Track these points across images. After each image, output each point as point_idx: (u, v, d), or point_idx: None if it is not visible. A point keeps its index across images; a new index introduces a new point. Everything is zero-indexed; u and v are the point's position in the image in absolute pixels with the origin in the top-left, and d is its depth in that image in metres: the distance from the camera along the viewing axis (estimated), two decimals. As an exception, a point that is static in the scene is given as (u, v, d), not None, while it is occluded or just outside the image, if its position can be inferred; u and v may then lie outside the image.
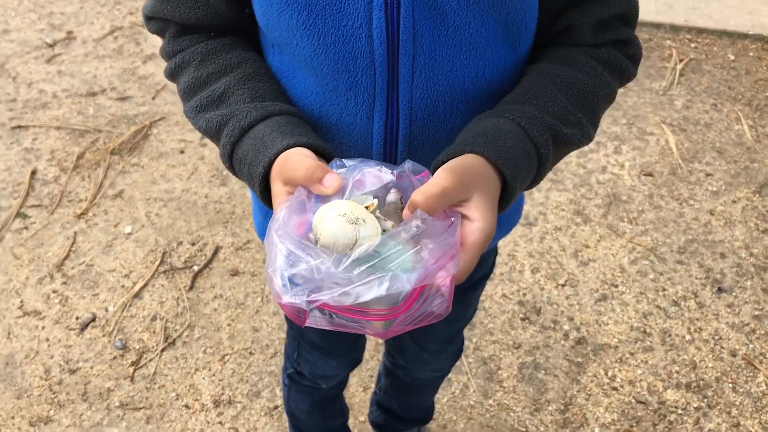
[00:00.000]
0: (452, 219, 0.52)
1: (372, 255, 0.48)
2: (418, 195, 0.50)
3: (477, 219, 0.54)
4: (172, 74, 0.71)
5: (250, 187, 0.63)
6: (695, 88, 2.22)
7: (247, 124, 0.62)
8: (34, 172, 1.78)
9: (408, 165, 0.54)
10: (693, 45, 2.39)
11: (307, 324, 0.49)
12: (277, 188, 0.57)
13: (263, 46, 0.70)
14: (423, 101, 0.65)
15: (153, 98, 2.01)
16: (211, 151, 1.88)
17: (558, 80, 0.64)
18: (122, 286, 1.56)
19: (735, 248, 1.75)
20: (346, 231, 0.49)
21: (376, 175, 0.53)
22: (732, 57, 2.35)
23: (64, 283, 1.56)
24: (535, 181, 0.63)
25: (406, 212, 0.52)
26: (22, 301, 1.53)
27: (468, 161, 0.55)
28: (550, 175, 1.89)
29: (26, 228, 1.66)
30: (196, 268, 1.61)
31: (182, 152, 1.87)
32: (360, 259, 0.48)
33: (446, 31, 0.62)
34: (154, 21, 0.71)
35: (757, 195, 1.90)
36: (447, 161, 0.55)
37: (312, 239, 0.50)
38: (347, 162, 0.55)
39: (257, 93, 0.65)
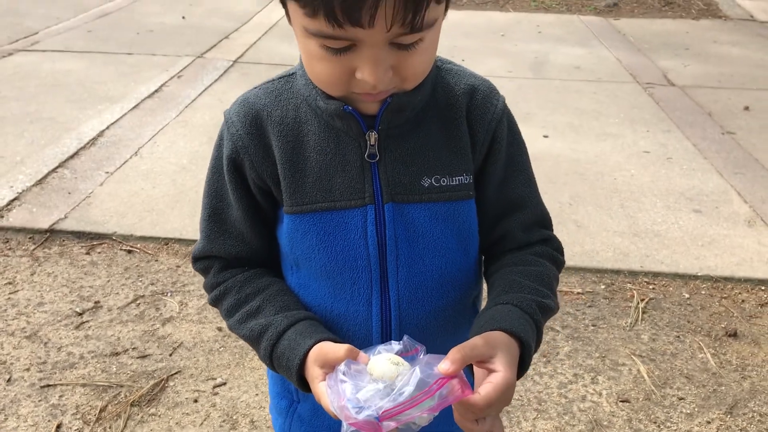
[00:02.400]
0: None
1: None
2: (458, 348, 0.76)
3: (500, 369, 0.76)
4: (216, 299, 0.96)
5: (287, 376, 0.86)
6: (658, 323, 2.47)
7: (282, 329, 0.87)
8: (59, 426, 1.93)
9: (406, 338, 0.78)
10: (651, 286, 2.69)
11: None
12: (315, 371, 0.79)
13: (283, 269, 0.97)
14: (406, 289, 0.91)
15: (170, 355, 2.22)
16: (222, 399, 2.05)
17: (521, 274, 0.92)
18: None
19: (715, 465, 1.86)
20: (391, 368, 0.73)
21: (388, 348, 0.77)
22: (687, 295, 2.64)
23: None
24: (537, 345, 0.87)
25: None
26: None
27: (490, 334, 0.79)
28: (534, 405, 2.05)
29: (49, 478, 1.76)
30: None
31: (196, 401, 2.04)
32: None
33: (417, 239, 0.90)
34: (202, 261, 0.98)
35: (729, 415, 2.05)
36: None
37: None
38: (364, 351, 0.79)
39: (284, 305, 0.90)
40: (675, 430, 1.98)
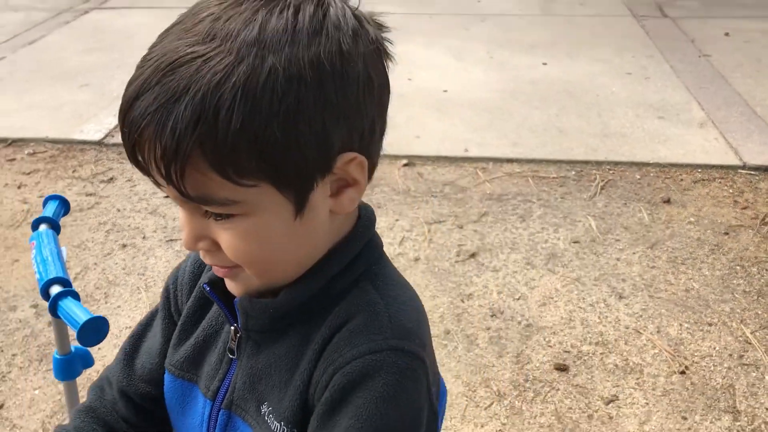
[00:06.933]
0: None
1: None
2: None
3: None
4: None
5: None
6: (612, 195, 3.27)
7: None
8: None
9: None
10: (611, 172, 3.48)
11: None
12: None
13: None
14: None
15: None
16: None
17: None
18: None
19: (632, 275, 2.69)
20: None
21: None
22: (638, 176, 3.43)
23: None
24: None
25: None
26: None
27: None
28: (510, 245, 2.89)
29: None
30: None
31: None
32: None
33: None
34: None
35: (650, 249, 2.87)
36: None
37: None
38: None
39: None
40: (608, 257, 2.81)
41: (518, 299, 2.58)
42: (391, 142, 3.10)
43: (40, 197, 3.30)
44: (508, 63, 4.84)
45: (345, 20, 0.65)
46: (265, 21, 0.61)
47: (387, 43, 0.71)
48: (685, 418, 2.08)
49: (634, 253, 2.84)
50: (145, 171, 0.64)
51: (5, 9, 6.21)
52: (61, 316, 1.14)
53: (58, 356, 1.36)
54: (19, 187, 3.41)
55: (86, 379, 1.99)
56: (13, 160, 3.67)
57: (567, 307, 2.52)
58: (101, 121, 4.06)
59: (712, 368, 2.26)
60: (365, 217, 0.77)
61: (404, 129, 3.86)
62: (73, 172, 3.56)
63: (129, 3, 6.41)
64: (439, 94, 4.33)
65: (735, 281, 2.67)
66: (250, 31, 0.60)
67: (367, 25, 0.68)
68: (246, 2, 0.63)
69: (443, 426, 2.12)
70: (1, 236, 3.02)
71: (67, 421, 0.94)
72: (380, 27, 0.71)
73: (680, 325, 2.44)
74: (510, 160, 3.58)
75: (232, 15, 0.62)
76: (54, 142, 3.82)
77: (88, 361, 1.40)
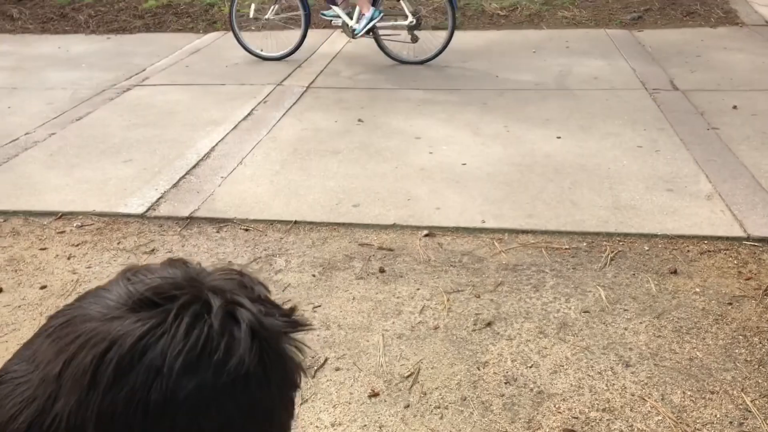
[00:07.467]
0: None
1: None
2: None
3: None
4: None
5: None
6: (621, 266, 3.46)
7: None
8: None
9: None
10: (621, 243, 3.67)
11: None
12: None
13: None
14: None
15: (283, 291, 3.35)
16: (319, 314, 3.15)
17: None
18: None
19: (639, 344, 2.86)
20: None
21: None
22: (647, 248, 3.62)
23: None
24: None
25: None
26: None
27: None
28: (523, 315, 3.08)
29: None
30: None
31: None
32: None
33: None
34: None
35: (656, 319, 3.04)
36: None
37: None
38: None
39: None
40: (616, 326, 2.98)
41: (531, 367, 2.76)
42: (413, 214, 3.43)
43: (88, 268, 3.58)
44: (524, 137, 5.11)
45: (176, 354, 0.54)
46: (72, 355, 0.54)
47: (294, 361, 0.62)
48: (686, 482, 2.22)
49: (641, 323, 3.01)
50: None
51: (54, 87, 6.68)
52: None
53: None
54: (68, 258, 3.70)
55: None
56: (63, 232, 3.98)
57: (576, 375, 2.69)
58: (144, 195, 4.37)
59: (712, 434, 2.41)
60: None
61: (425, 201, 4.11)
62: (118, 243, 3.85)
63: (168, 80, 6.85)
64: (458, 167, 4.59)
65: (737, 350, 2.82)
66: (55, 365, 0.54)
67: (237, 347, 0.56)
68: (71, 325, 0.57)
69: (460, 487, 2.30)
70: (53, 305, 3.29)
71: None
72: (275, 332, 0.61)
73: (683, 392, 2.60)
74: (525, 232, 3.80)
75: (58, 336, 0.57)
76: (100, 215, 4.13)
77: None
